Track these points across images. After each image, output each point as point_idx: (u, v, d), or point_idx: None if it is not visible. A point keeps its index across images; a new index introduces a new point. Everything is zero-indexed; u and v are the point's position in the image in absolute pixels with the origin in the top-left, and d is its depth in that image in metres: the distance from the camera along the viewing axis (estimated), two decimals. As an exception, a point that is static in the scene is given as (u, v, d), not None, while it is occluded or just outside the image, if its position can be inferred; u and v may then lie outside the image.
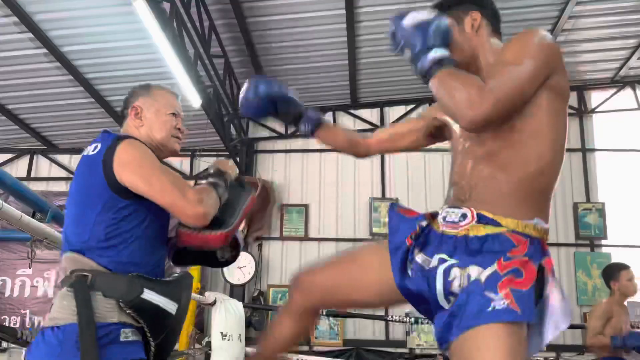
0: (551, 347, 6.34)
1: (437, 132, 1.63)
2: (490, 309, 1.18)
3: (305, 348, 6.30)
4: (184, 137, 1.74)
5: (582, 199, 6.82)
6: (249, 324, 6.09)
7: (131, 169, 1.45)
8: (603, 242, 6.75)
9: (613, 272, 3.90)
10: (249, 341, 5.70)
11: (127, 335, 1.38)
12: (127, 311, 1.39)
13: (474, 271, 1.24)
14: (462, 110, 1.25)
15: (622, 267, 3.92)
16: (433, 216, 1.42)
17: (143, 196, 1.45)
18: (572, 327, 6.04)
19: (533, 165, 1.33)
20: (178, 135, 1.68)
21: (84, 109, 6.43)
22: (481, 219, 1.30)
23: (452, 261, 1.27)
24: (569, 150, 6.91)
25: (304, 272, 1.57)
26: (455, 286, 1.25)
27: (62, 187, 7.21)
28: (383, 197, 6.88)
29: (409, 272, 1.33)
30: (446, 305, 1.26)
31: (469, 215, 1.32)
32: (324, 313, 4.96)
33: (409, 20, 1.31)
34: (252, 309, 6.18)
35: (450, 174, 1.47)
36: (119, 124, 6.75)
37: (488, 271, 1.23)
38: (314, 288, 1.52)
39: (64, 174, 7.29)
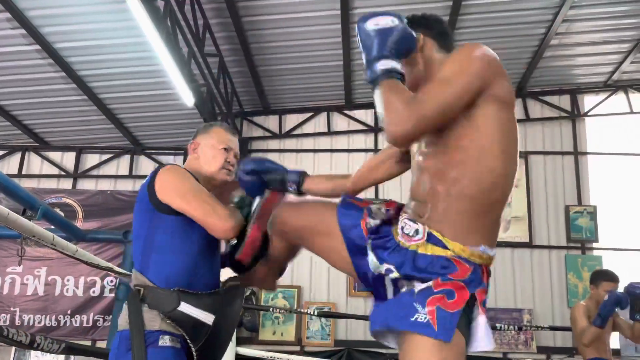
0: (542, 350, 6.37)
1: (407, 156, 1.67)
2: (412, 318, 1.27)
3: (297, 348, 6.29)
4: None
5: (573, 202, 6.85)
6: (240, 323, 6.08)
7: (170, 189, 1.69)
8: (594, 245, 6.78)
9: (597, 278, 3.94)
10: (240, 341, 5.69)
11: (165, 341, 1.59)
12: (167, 321, 1.61)
13: (416, 285, 1.32)
14: (388, 126, 1.30)
15: (608, 277, 3.92)
16: (394, 216, 1.48)
17: (184, 214, 1.68)
18: (562, 329, 6.07)
19: (485, 181, 1.35)
20: (228, 167, 1.90)
21: (76, 107, 6.39)
22: (430, 239, 1.35)
23: (398, 275, 1.34)
24: (562, 153, 7.00)
25: (280, 212, 1.65)
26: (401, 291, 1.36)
27: (54, 184, 7.17)
28: (376, 198, 6.89)
29: (362, 256, 1.41)
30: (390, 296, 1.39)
31: (421, 232, 1.36)
32: (315, 313, 4.95)
33: (371, 25, 1.35)
34: (243, 309, 6.17)
35: (410, 187, 1.50)
36: (111, 121, 6.75)
37: (424, 285, 1.30)
38: (284, 228, 1.63)
39: (55, 171, 7.24)
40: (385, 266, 1.36)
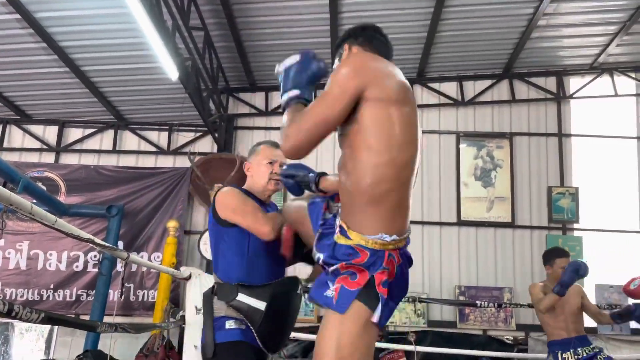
0: (521, 327, 6.51)
1: None
2: (324, 294, 1.58)
3: (280, 324, 6.35)
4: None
5: (556, 183, 6.93)
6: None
7: (225, 206, 2.17)
8: (575, 225, 6.89)
9: (550, 257, 4.10)
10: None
11: (231, 324, 2.06)
12: (231, 308, 2.07)
13: (331, 268, 1.60)
14: (281, 142, 1.62)
15: (559, 253, 4.09)
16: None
17: (239, 225, 2.14)
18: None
19: (370, 175, 1.56)
20: (275, 177, 2.29)
21: (58, 79, 6.27)
22: (341, 231, 1.60)
23: (322, 261, 1.63)
24: (546, 134, 7.05)
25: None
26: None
27: (36, 158, 7.07)
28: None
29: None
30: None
31: (337, 225, 1.62)
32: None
33: (282, 65, 1.78)
34: (228, 285, 6.18)
35: None
36: (94, 95, 6.62)
37: (334, 268, 1.58)
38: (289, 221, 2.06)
39: (37, 144, 7.13)
40: (317, 254, 1.64)
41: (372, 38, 1.84)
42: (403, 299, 2.01)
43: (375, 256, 1.55)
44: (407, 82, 1.69)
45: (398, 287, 1.63)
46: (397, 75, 1.65)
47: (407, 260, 1.68)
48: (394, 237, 1.57)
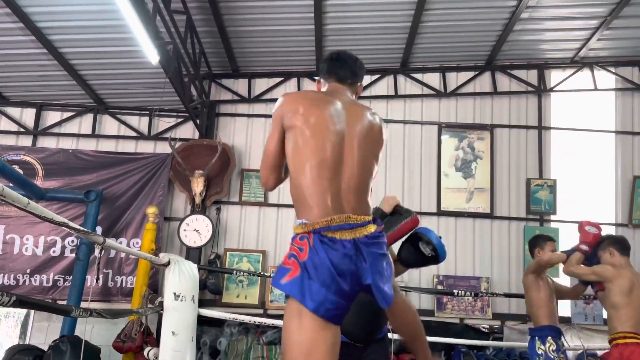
0: (497, 316, 6.61)
1: None
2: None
3: (260, 311, 6.36)
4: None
5: (535, 175, 7.02)
6: (204, 286, 6.09)
7: None
8: (552, 217, 6.99)
9: (541, 241, 4.32)
10: (203, 303, 5.70)
11: None
12: None
13: None
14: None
15: (548, 238, 4.34)
16: None
17: None
18: (517, 296, 6.28)
19: (292, 183, 2.01)
20: None
21: (36, 60, 6.12)
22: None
23: None
24: (526, 127, 7.12)
25: None
26: None
27: (12, 141, 6.93)
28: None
29: None
30: None
31: None
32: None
33: None
34: (207, 272, 6.17)
35: None
36: (73, 78, 6.46)
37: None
38: None
39: (14, 127, 6.98)
40: None
41: (329, 67, 2.26)
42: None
43: (298, 238, 1.96)
44: (332, 107, 2.03)
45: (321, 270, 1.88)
46: (318, 104, 2.03)
47: (341, 255, 1.89)
48: (312, 220, 1.92)
